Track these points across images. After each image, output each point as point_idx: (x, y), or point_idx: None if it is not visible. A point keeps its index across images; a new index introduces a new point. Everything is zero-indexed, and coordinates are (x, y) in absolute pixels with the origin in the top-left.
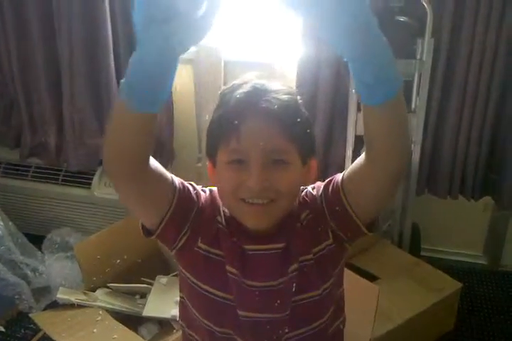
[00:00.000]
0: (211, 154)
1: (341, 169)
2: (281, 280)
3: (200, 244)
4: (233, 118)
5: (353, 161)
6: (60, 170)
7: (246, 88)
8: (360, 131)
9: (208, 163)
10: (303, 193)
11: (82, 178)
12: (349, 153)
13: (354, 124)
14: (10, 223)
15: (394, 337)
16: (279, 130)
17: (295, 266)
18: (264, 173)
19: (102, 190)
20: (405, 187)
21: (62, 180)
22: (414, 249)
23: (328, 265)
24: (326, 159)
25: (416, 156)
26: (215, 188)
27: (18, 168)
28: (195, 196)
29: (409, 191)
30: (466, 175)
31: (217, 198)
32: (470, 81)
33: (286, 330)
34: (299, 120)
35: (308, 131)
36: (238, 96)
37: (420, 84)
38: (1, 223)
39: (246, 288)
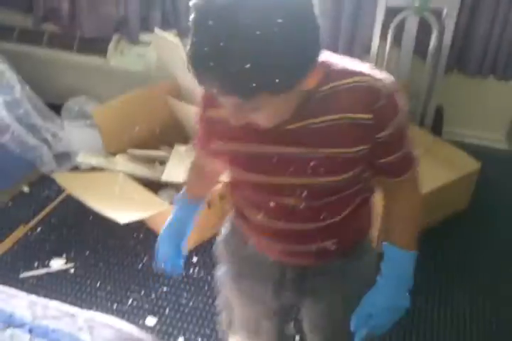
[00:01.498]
0: None
1: (368, 43)
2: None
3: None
4: (195, 71)
5: (381, 36)
6: (75, 37)
7: (211, 23)
8: (392, 2)
9: None
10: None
11: (97, 46)
12: (378, 25)
13: None
14: (27, 87)
15: None
16: (237, 95)
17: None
18: (239, 114)
19: (117, 58)
20: (434, 65)
21: (78, 48)
22: (436, 131)
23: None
24: (353, 29)
25: (449, 32)
26: None
27: (32, 33)
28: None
29: (438, 69)
30: (500, 54)
31: None
32: None
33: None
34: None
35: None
36: (202, 33)
37: None
38: (18, 86)
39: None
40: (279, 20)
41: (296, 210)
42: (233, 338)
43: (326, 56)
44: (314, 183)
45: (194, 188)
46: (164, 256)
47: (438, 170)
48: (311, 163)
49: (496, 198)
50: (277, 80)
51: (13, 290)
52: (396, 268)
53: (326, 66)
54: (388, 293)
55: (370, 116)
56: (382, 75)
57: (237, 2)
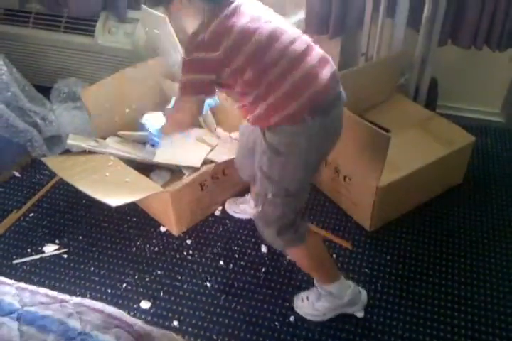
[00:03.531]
0: None
1: (360, 15)
2: None
3: None
4: None
5: (373, 7)
6: (62, 17)
7: None
8: None
9: None
10: None
11: (84, 25)
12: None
13: None
14: (14, 70)
15: (401, 186)
16: None
17: None
18: None
19: (105, 37)
20: (427, 37)
21: (65, 27)
22: (430, 104)
23: None
24: (346, 2)
25: (442, 2)
26: None
27: (18, 14)
28: None
29: (432, 41)
30: (494, 24)
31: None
32: None
33: None
34: None
35: None
36: None
37: None
38: (5, 68)
39: None
40: None
41: None
42: None
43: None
44: None
45: None
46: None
47: (432, 144)
48: None
49: (492, 172)
50: None
51: (1, 278)
52: None
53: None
54: None
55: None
56: None
57: None
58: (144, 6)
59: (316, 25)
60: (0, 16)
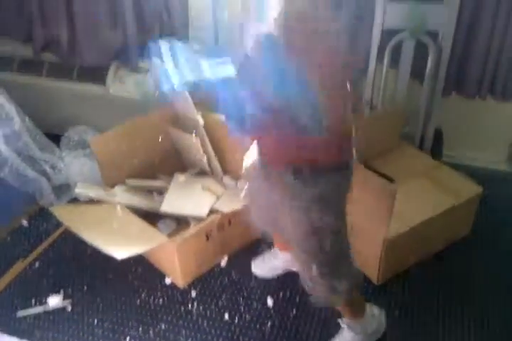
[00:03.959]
0: None
1: (364, 66)
2: None
3: None
4: None
5: (378, 56)
6: (74, 67)
7: None
8: (388, 25)
9: None
10: None
11: (96, 74)
12: (374, 48)
13: (382, 15)
14: (27, 119)
15: (409, 238)
16: None
17: None
18: None
19: (117, 87)
20: (431, 88)
21: (77, 77)
22: (436, 154)
23: None
24: (350, 53)
25: (446, 54)
26: None
27: (32, 64)
28: None
29: (436, 92)
30: (498, 75)
31: None
32: None
33: None
34: None
35: None
36: None
37: None
38: (18, 118)
39: None
40: None
41: None
42: None
43: None
44: None
45: None
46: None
47: (439, 195)
48: None
49: (501, 222)
50: None
51: (5, 337)
52: None
53: None
54: None
55: None
56: None
57: None
58: (154, 57)
59: None
60: (15, 66)
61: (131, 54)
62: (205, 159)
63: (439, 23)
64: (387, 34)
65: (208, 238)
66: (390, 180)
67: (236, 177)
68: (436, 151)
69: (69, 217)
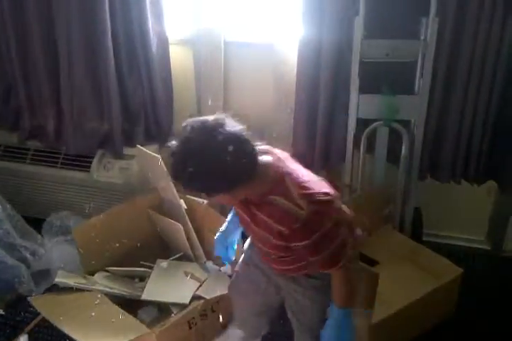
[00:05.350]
0: None
1: (342, 152)
2: None
3: None
4: None
5: (354, 144)
6: (59, 153)
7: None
8: (362, 114)
9: None
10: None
11: (81, 161)
12: (350, 136)
13: (356, 106)
14: (8, 206)
15: (393, 323)
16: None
17: None
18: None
19: (101, 173)
20: (407, 173)
21: (62, 163)
22: (416, 234)
23: None
24: (327, 141)
25: (418, 141)
26: None
27: (17, 150)
28: None
29: (412, 176)
30: (470, 160)
31: None
32: (475, 63)
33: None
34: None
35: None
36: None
37: (424, 66)
38: None
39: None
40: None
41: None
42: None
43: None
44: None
45: None
46: (218, 251)
47: (421, 278)
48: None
49: (484, 301)
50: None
51: None
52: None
53: (283, 178)
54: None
55: (286, 230)
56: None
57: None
58: (139, 146)
59: (301, 161)
60: None
61: (116, 142)
62: (187, 245)
63: (411, 112)
64: (362, 123)
65: (190, 326)
66: (375, 261)
67: (219, 263)
68: (416, 233)
69: (48, 308)
